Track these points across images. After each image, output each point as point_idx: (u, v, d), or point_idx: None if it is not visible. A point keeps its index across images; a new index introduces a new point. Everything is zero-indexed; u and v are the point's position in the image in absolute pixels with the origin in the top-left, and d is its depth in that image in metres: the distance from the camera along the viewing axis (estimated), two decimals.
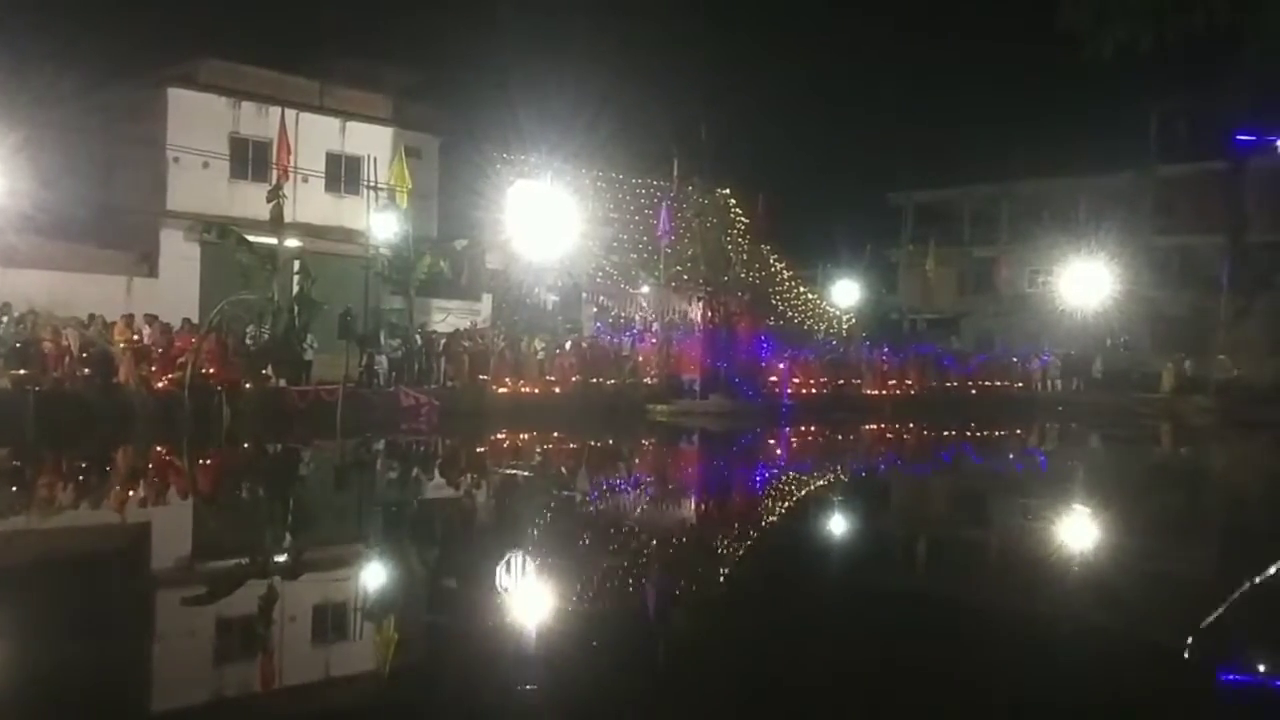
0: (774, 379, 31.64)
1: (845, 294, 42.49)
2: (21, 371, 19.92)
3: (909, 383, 36.27)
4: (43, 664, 5.91)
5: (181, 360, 21.46)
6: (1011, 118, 48.39)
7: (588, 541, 10.69)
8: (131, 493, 13.66)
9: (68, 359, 20.80)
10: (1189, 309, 41.12)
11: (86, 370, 20.87)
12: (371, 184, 28.25)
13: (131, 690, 5.81)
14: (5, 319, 20.82)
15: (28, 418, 18.60)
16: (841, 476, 17.99)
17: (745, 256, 39.97)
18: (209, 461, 17.76)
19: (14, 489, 13.57)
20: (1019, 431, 29.27)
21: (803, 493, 15.62)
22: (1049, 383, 39.68)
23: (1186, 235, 43.59)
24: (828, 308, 42.36)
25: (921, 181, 48.78)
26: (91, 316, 21.76)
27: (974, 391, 37.58)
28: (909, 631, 7.19)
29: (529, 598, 8.22)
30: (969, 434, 27.59)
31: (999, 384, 38.78)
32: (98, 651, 6.37)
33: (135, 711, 5.50)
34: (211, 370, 21.66)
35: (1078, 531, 12.31)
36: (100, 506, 12.54)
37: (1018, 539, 11.53)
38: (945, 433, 27.84)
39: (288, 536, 11.18)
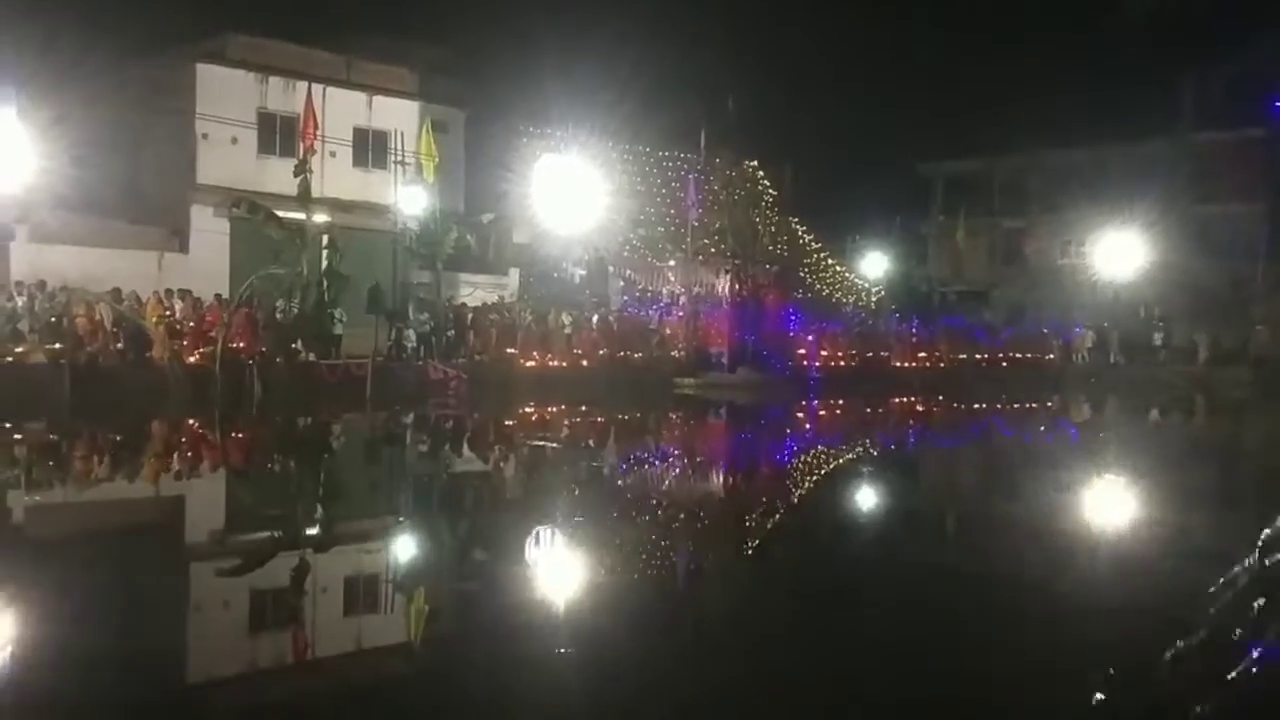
0: (802, 352, 31.55)
1: (874, 266, 42.22)
2: (56, 346, 20.15)
3: (938, 355, 36.08)
4: (80, 634, 5.97)
5: (212, 335, 21.66)
6: (1042, 86, 47.63)
7: (616, 514, 10.70)
8: (165, 466, 13.80)
9: (101, 334, 21.01)
10: (1225, 279, 40.51)
11: (120, 345, 21.09)
12: (399, 159, 28.31)
13: (168, 660, 5.87)
14: (39, 295, 21.03)
15: (63, 392, 18.82)
16: (870, 450, 17.91)
17: (773, 229, 39.73)
18: (241, 435, 17.91)
19: (50, 462, 13.74)
20: (1050, 404, 29.05)
21: (831, 466, 15.56)
22: (1080, 355, 39.33)
23: (1223, 204, 42.87)
24: (856, 280, 42.11)
25: (951, 152, 48.26)
26: (117, 291, 21.89)
27: (1004, 364, 37.36)
28: (938, 606, 7.15)
29: (559, 569, 8.25)
30: (999, 407, 27.41)
31: (1030, 356, 38.48)
32: (134, 622, 6.45)
33: (173, 680, 5.56)
34: (242, 345, 21.84)
35: (1108, 505, 12.20)
36: (135, 479, 12.68)
37: (1047, 512, 11.43)
38: (975, 405, 27.67)
39: (320, 509, 11.26)
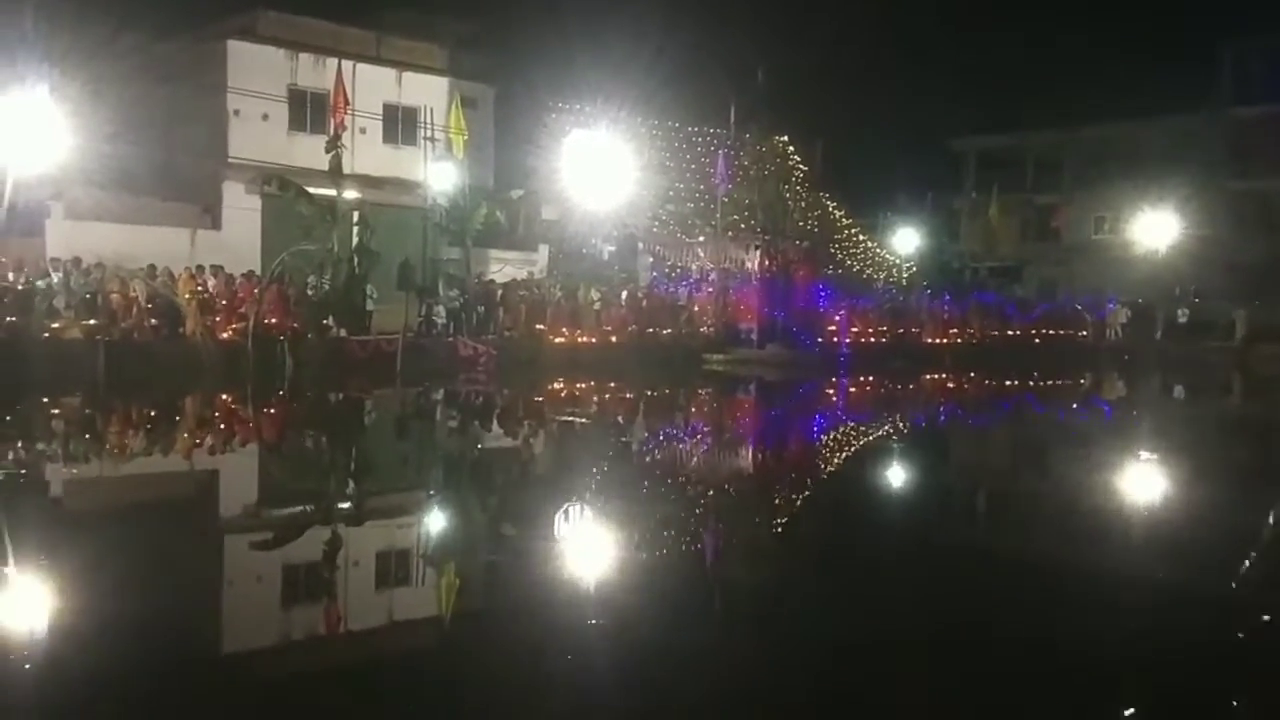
0: (832, 328, 31.40)
1: (905, 242, 41.90)
2: (91, 322, 20.38)
3: (970, 331, 35.85)
4: (115, 607, 6.05)
5: (244, 311, 21.83)
6: (1077, 60, 47.08)
7: (646, 489, 10.71)
8: (199, 441, 13.94)
9: (135, 310, 21.22)
10: (1263, 256, 39.91)
11: (153, 321, 21.30)
12: (428, 135, 28.33)
13: (203, 632, 5.94)
14: (75, 271, 21.25)
15: (98, 367, 19.05)
16: (901, 426, 17.83)
17: (803, 205, 39.54)
18: (273, 410, 18.06)
19: (86, 436, 13.91)
20: (1082, 381, 28.80)
21: (861, 443, 15.50)
22: (1114, 331, 38.94)
23: (1262, 179, 42.20)
24: (887, 256, 41.84)
25: (984, 127, 47.76)
26: (152, 267, 22.09)
27: (1037, 340, 37.06)
28: (967, 584, 7.11)
29: (589, 544, 8.27)
30: (1031, 383, 27.20)
31: (1062, 333, 38.15)
32: (170, 595, 6.53)
33: (208, 652, 5.63)
34: (274, 320, 22.00)
35: (1142, 482, 12.08)
36: (169, 454, 12.82)
37: (1079, 490, 11.34)
38: (1007, 382, 27.47)
39: (351, 484, 11.34)
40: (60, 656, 5.22)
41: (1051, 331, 38.06)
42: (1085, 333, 38.79)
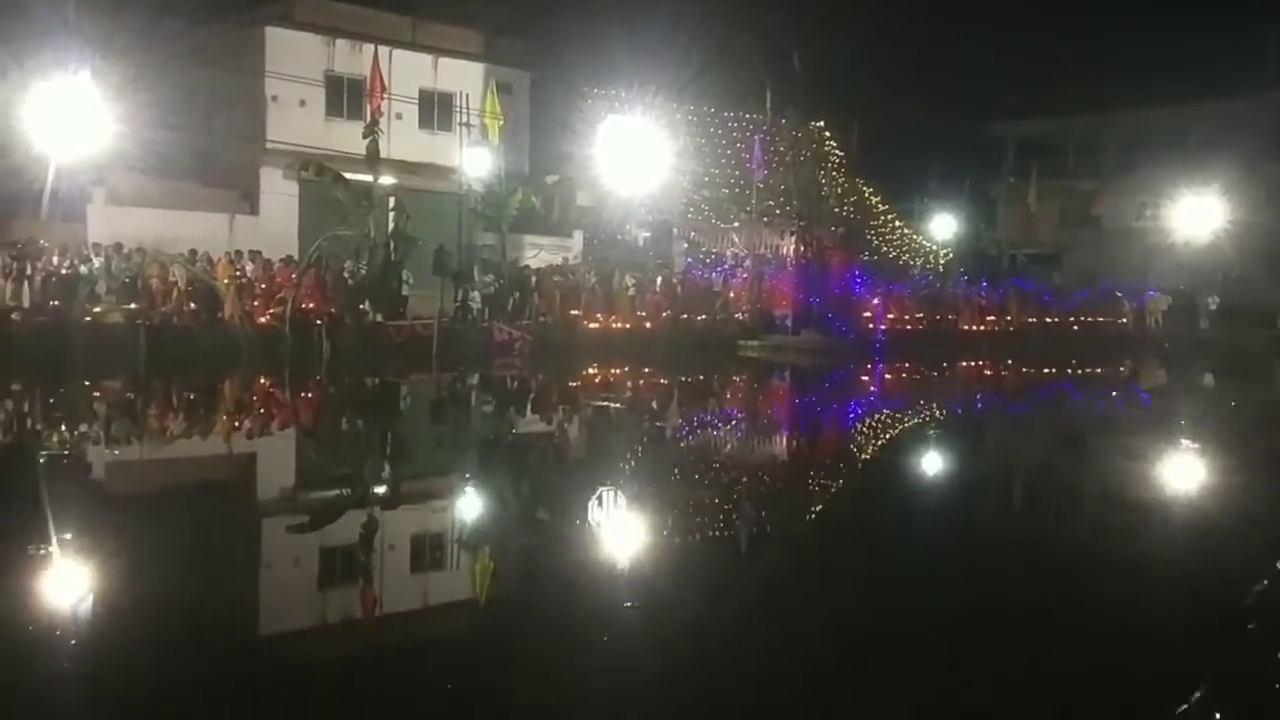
0: (868, 314, 31.22)
1: (942, 228, 41.52)
2: (132, 306, 20.63)
3: (1007, 319, 35.53)
4: (155, 587, 6.13)
5: (282, 295, 22.01)
6: (1118, 41, 46.28)
7: (680, 475, 10.71)
8: (238, 424, 14.09)
9: (175, 294, 21.46)
10: None
11: (193, 305, 21.52)
12: (464, 120, 28.37)
13: (240, 614, 6.02)
14: (115, 256, 21.51)
15: (139, 351, 19.28)
16: (937, 414, 17.71)
17: (839, 190, 39.29)
18: (311, 394, 18.21)
19: (127, 419, 14.09)
20: (1122, 369, 28.46)
21: (896, 430, 15.41)
22: (1155, 319, 38.43)
23: None
24: (924, 242, 41.51)
25: (1023, 112, 47.09)
26: (192, 252, 22.33)
27: (1075, 328, 36.66)
28: (1003, 574, 7.06)
29: (623, 530, 8.28)
30: (1069, 371, 26.91)
31: (1102, 320, 37.69)
32: (210, 576, 6.62)
33: (245, 634, 5.70)
34: (311, 305, 22.19)
35: (1180, 473, 11.93)
36: (208, 437, 12.97)
37: (1117, 480, 11.22)
38: (1045, 370, 27.20)
39: (387, 468, 11.43)
40: (103, 634, 5.29)
41: (1091, 319, 37.62)
42: (1125, 320, 38.30)
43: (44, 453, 10.83)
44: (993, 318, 35.28)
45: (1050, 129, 47.45)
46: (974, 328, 34.14)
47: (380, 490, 9.90)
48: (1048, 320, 36.50)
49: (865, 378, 24.53)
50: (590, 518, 8.41)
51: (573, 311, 26.50)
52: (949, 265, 40.69)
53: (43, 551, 6.69)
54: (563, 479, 10.70)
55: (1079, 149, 47.89)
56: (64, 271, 20.65)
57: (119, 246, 21.75)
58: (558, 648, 5.26)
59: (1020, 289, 37.50)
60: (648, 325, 27.27)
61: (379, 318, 23.07)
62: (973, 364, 28.03)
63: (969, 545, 7.77)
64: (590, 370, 22.19)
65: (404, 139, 28.51)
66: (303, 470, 11.28)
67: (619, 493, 9.53)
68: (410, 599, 6.56)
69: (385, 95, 25.69)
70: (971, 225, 43.55)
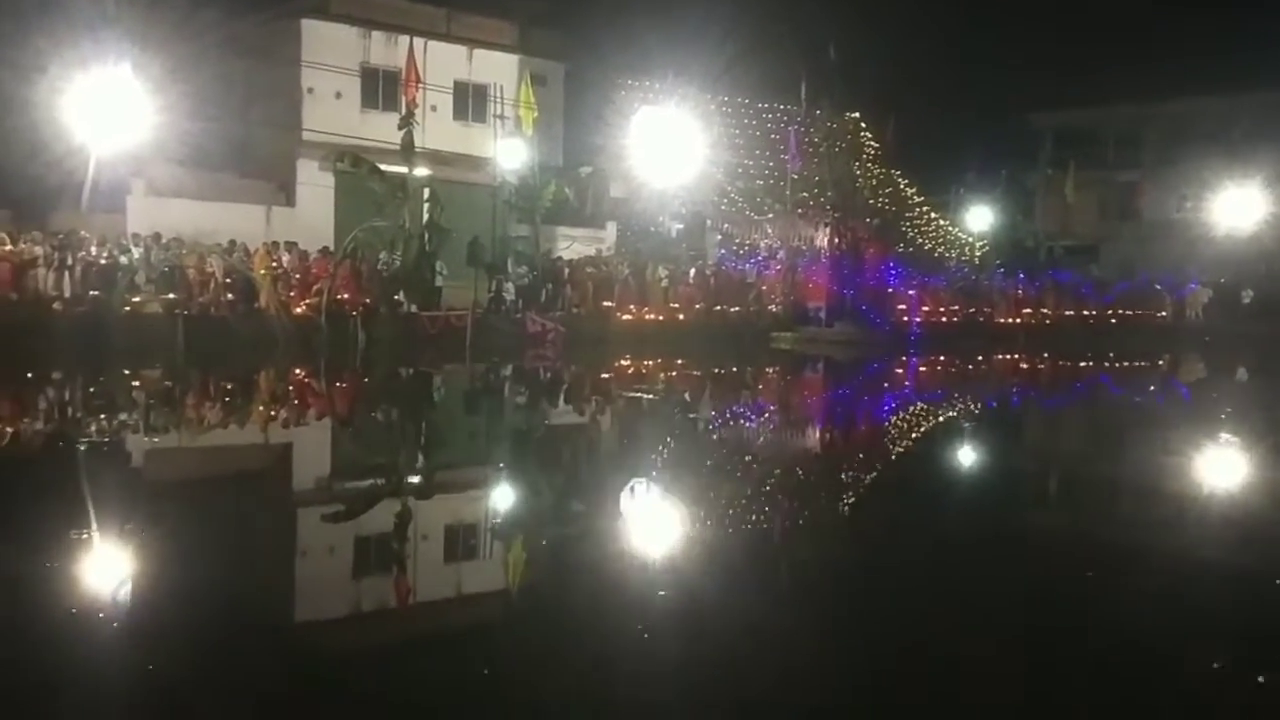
0: (903, 307, 31.03)
1: (978, 220, 41.16)
2: (170, 297, 20.85)
3: (1044, 311, 35.21)
4: (194, 574, 6.19)
5: (318, 286, 22.15)
6: (1162, 32, 45.59)
7: (713, 466, 10.69)
8: (275, 413, 14.20)
9: (212, 285, 21.65)
10: None
11: (230, 296, 21.70)
12: (498, 112, 28.42)
13: (276, 602, 6.07)
14: (154, 247, 21.73)
15: (177, 340, 19.50)
16: (972, 407, 17.56)
17: (874, 182, 39.04)
18: (346, 384, 18.33)
19: (166, 408, 14.24)
20: (1160, 363, 28.11)
21: (932, 424, 15.30)
22: (1195, 312, 37.93)
23: None
24: (960, 234, 41.17)
25: (1062, 102, 46.58)
26: (233, 243, 22.53)
27: (1114, 320, 36.27)
28: (1042, 569, 6.98)
29: (657, 520, 8.27)
30: (1107, 365, 26.62)
31: (1141, 313, 37.26)
32: (246, 563, 6.68)
33: (280, 621, 5.74)
34: (346, 296, 22.32)
35: (1221, 467, 11.76)
36: (246, 426, 13.08)
37: (1156, 474, 11.07)
38: (1082, 363, 26.92)
39: (424, 457, 11.48)
40: (142, 619, 5.35)
41: (1130, 312, 37.20)
42: (1165, 313, 37.84)
43: (85, 440, 10.97)
44: (1029, 310, 34.98)
45: (1090, 120, 46.94)
46: (1010, 320, 33.86)
47: (418, 480, 9.95)
48: (1085, 313, 36.13)
49: (900, 371, 24.38)
50: (626, 508, 8.41)
51: (605, 303, 26.51)
52: (985, 257, 40.36)
53: (85, 537, 6.79)
54: (597, 470, 10.71)
55: (1119, 140, 47.32)
56: (103, 262, 20.87)
57: (158, 237, 21.97)
58: (591, 636, 5.26)
59: (1057, 281, 37.14)
60: (680, 317, 27.23)
61: (413, 309, 23.18)
62: (1009, 357, 27.78)
63: (1013, 538, 7.70)
64: (623, 362, 22.19)
65: (439, 130, 28.58)
66: (340, 459, 11.37)
67: (654, 484, 9.52)
68: (448, 587, 6.59)
69: (420, 87, 25.78)
70: (1008, 217, 43.16)
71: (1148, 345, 31.55)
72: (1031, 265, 39.17)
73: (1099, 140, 47.45)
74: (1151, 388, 22.77)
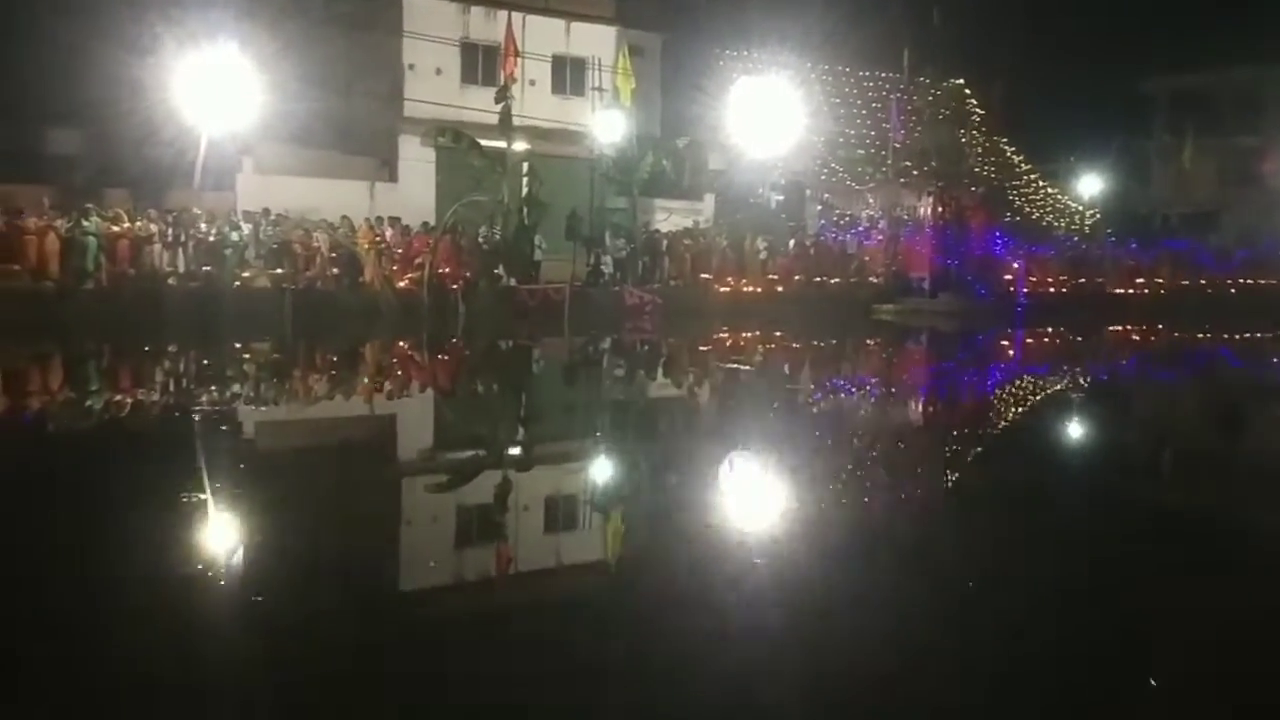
0: (1009, 277, 30.23)
1: (1089, 187, 39.79)
2: (278, 271, 21.37)
3: (1159, 281, 33.93)
4: (302, 540, 6.31)
5: (419, 260, 22.47)
6: None
7: (813, 439, 10.54)
8: (379, 385, 14.45)
9: (318, 260, 22.12)
10: None
11: (335, 270, 22.16)
12: (596, 85, 28.38)
13: (382, 568, 6.15)
14: (263, 223, 22.28)
15: (285, 314, 20.00)
16: (1082, 380, 17.01)
17: (980, 150, 38.02)
18: (448, 356, 18.57)
19: (276, 380, 14.60)
20: None
21: (1039, 397, 14.84)
22: None
23: None
24: (1069, 202, 39.89)
25: (1178, 65, 44.64)
26: (348, 220, 22.95)
27: (1233, 290, 34.75)
28: (1153, 547, 6.71)
29: (753, 493, 8.18)
30: (1226, 336, 25.53)
31: (1263, 283, 35.63)
32: (352, 531, 6.79)
33: (387, 587, 5.81)
34: (447, 270, 22.60)
35: None
36: (351, 397, 13.33)
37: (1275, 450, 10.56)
38: (1199, 335, 25.88)
39: (522, 429, 11.55)
40: (247, 587, 5.46)
41: (1251, 281, 35.61)
42: None
43: (199, 410, 11.29)
44: (1142, 280, 33.75)
45: (1207, 83, 44.86)
46: (1122, 291, 32.73)
47: (520, 451, 10.01)
48: (1202, 283, 34.71)
49: (1006, 342, 23.76)
50: (724, 481, 8.33)
51: (703, 275, 26.37)
52: (1096, 226, 39.04)
53: (201, 502, 6.98)
54: (697, 442, 10.64)
55: (1238, 103, 45.18)
56: (214, 239, 21.47)
57: (266, 213, 22.51)
58: (687, 604, 5.21)
59: (1173, 250, 35.72)
60: (779, 289, 26.96)
61: (513, 282, 23.36)
62: (1121, 328, 26.86)
63: (1114, 514, 7.43)
64: (721, 334, 22.05)
65: (537, 104, 28.65)
66: (443, 430, 11.51)
67: (752, 457, 9.42)
68: (550, 555, 6.61)
69: (519, 60, 25.85)
70: (1120, 184, 41.66)
71: (1270, 316, 30.17)
72: (1145, 234, 37.76)
73: (1217, 104, 45.37)
74: (1277, 360, 21.79)
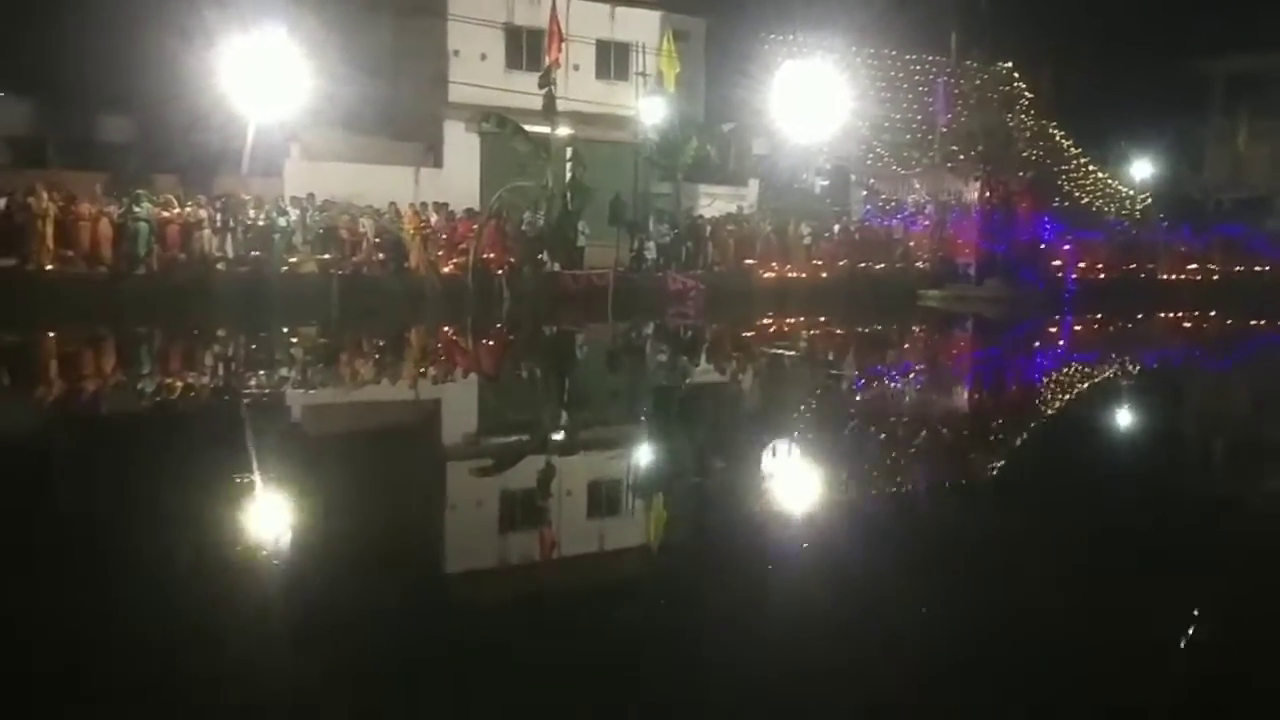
0: (1057, 263, 29.84)
1: (1141, 172, 39.13)
2: (325, 256, 21.59)
3: (1211, 267, 33.34)
4: (348, 522, 6.38)
5: (464, 246, 22.60)
6: None
7: (856, 426, 10.48)
8: (424, 369, 14.56)
9: (364, 245, 22.31)
10: None
11: (381, 255, 22.34)
12: (640, 69, 28.30)
13: (427, 551, 6.21)
14: (310, 208, 22.48)
15: (332, 299, 20.21)
16: (1131, 369, 16.75)
17: (1028, 134, 37.50)
18: (493, 341, 18.67)
19: (322, 364, 14.75)
20: None
21: (1087, 386, 14.65)
22: None
23: None
24: (1119, 187, 39.25)
25: (1233, 46, 43.69)
26: (394, 206, 23.11)
27: None
28: (1202, 540, 6.61)
29: (798, 479, 8.15)
30: None
31: None
32: (397, 514, 6.85)
33: (430, 571, 5.87)
34: (491, 255, 22.71)
35: None
36: (397, 381, 13.44)
37: None
38: (1253, 322, 25.40)
39: (567, 414, 11.59)
40: (294, 570, 5.54)
41: None
42: None
43: (249, 393, 11.44)
44: (1194, 266, 33.18)
45: (1263, 64, 43.86)
46: (1174, 277, 32.21)
47: (557, 439, 10.04)
48: (1256, 269, 34.05)
49: (1054, 330, 23.46)
50: (767, 467, 8.31)
51: (747, 261, 26.28)
52: (1147, 211, 38.40)
53: (250, 482, 7.08)
54: (737, 428, 10.62)
55: None
56: (262, 224, 21.71)
57: (313, 199, 22.71)
58: (734, 583, 5.21)
59: (1226, 235, 35.06)
60: (824, 275, 26.81)
61: (556, 267, 23.42)
62: (1172, 315, 26.44)
63: (1160, 506, 7.33)
64: (765, 320, 21.97)
65: (581, 89, 28.65)
66: (488, 415, 11.57)
67: (796, 443, 9.39)
68: (595, 540, 6.63)
69: (563, 45, 25.83)
70: (1172, 168, 40.93)
71: None
72: (1198, 219, 37.09)
73: (1272, 86, 44.37)
74: None
